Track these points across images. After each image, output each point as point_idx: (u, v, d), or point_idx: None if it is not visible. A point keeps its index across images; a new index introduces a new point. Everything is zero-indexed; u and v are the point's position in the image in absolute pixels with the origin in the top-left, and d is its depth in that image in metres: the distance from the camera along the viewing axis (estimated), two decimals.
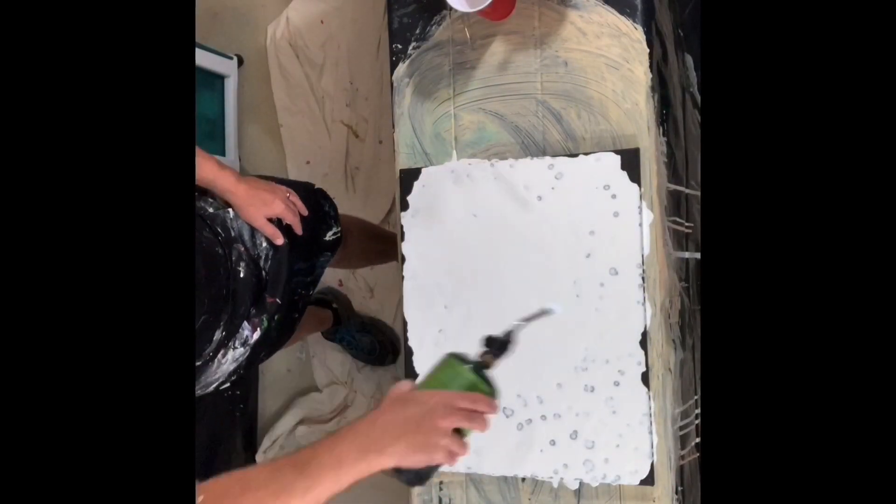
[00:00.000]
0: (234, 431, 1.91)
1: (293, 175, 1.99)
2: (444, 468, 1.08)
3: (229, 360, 1.14)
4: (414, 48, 1.13)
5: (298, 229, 1.16)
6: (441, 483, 1.10)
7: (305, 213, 1.18)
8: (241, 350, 1.15)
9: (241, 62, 2.05)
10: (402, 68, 1.14)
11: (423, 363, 1.09)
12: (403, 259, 1.11)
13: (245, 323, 1.14)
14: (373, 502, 1.78)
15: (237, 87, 2.04)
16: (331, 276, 1.94)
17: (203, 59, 1.90)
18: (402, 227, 1.11)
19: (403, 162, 1.13)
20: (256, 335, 1.16)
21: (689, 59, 1.16)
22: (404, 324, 1.11)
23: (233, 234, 1.12)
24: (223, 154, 2.00)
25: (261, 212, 1.11)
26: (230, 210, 1.12)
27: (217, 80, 1.99)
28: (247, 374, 1.23)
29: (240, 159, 2.04)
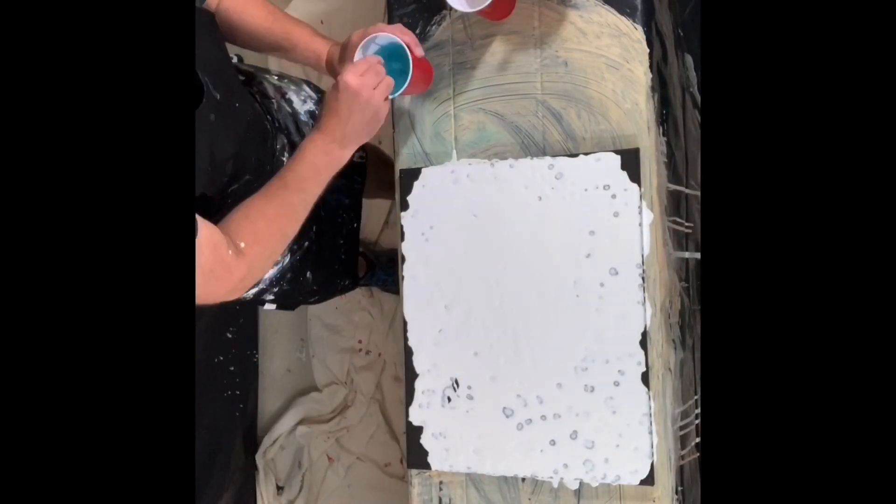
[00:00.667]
0: (234, 431, 1.91)
1: None
2: (444, 468, 1.09)
3: None
4: None
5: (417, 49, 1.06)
6: (441, 483, 1.10)
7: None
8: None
9: (240, 62, 2.04)
10: None
11: (424, 363, 1.09)
12: (403, 259, 1.11)
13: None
14: (373, 502, 1.79)
15: None
16: None
17: None
18: (402, 227, 1.11)
19: (403, 162, 1.13)
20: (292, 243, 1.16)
21: (689, 59, 1.16)
22: (404, 324, 1.11)
23: (278, 124, 1.13)
24: None
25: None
26: (281, 100, 1.14)
27: None
28: (291, 290, 1.23)
29: None
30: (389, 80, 0.94)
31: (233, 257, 0.87)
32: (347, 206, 1.30)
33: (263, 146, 1.08)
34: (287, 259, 1.18)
